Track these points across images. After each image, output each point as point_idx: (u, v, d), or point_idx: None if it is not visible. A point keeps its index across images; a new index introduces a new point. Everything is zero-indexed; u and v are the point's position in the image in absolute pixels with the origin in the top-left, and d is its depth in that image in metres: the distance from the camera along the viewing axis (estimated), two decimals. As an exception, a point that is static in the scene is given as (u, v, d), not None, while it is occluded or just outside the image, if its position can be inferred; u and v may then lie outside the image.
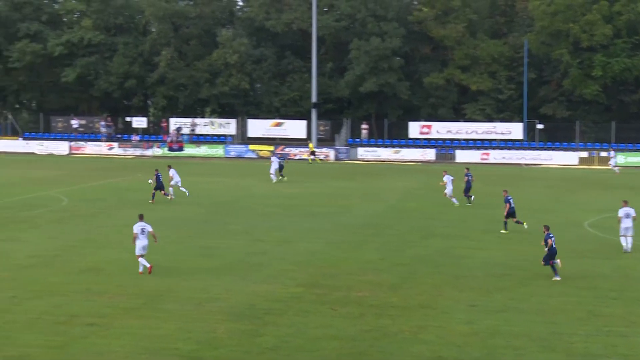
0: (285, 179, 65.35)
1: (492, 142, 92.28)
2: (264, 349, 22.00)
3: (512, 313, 25.61)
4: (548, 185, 64.99)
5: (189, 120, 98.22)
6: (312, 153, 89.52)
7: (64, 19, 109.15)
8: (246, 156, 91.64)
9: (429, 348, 22.17)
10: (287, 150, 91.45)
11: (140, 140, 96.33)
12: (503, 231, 40.70)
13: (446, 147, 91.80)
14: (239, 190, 58.48)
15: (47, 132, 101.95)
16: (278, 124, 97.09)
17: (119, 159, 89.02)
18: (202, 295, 27.36)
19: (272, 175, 64.48)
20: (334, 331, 23.59)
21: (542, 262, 30.59)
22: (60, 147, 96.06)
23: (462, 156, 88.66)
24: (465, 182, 51.52)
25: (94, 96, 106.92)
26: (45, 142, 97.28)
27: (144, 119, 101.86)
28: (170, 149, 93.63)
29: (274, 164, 65.41)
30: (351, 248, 36.25)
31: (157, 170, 53.38)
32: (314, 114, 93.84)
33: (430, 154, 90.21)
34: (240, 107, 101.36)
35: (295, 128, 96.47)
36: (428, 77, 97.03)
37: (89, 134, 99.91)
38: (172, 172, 53.87)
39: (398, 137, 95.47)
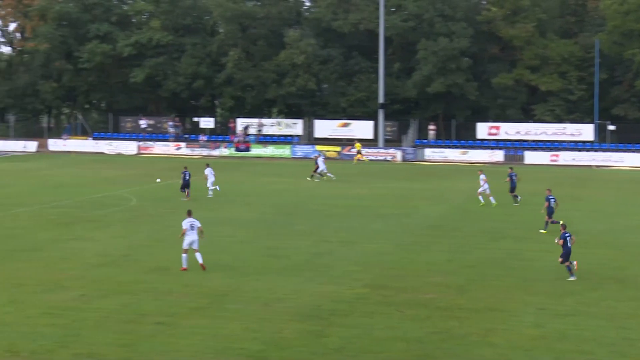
0: (325, 178, 65.85)
1: (561, 144, 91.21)
2: (330, 350, 22.05)
3: (582, 317, 25.32)
4: (619, 187, 64.10)
5: (256, 120, 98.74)
6: (359, 152, 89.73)
7: (133, 20, 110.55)
8: (313, 157, 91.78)
9: (497, 351, 22.03)
10: (354, 150, 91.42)
11: (207, 141, 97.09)
12: (542, 231, 40.50)
13: (515, 148, 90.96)
14: (305, 190, 58.63)
15: (116, 132, 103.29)
16: (345, 125, 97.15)
17: (186, 159, 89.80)
18: (269, 295, 27.50)
19: (329, 175, 65.47)
20: (400, 333, 23.56)
21: (559, 260, 30.46)
22: (129, 147, 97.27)
23: (531, 157, 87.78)
24: (509, 182, 51.46)
25: (162, 96, 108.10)
26: (114, 142, 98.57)
27: (212, 119, 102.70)
28: (237, 149, 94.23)
29: (322, 164, 66.21)
30: (418, 249, 36.14)
31: (185, 167, 54.83)
32: (381, 114, 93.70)
33: (498, 155, 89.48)
34: (307, 108, 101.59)
35: (362, 129, 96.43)
36: (496, 77, 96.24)
37: (157, 134, 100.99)
38: (207, 170, 54.59)
39: (466, 138, 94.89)
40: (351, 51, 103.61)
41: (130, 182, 63.10)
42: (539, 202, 50.08)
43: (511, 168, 54.17)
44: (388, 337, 23.18)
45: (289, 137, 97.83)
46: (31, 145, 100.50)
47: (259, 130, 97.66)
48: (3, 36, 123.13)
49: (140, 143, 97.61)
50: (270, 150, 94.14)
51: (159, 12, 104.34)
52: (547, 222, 40.77)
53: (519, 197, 51.20)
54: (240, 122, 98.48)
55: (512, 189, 51.34)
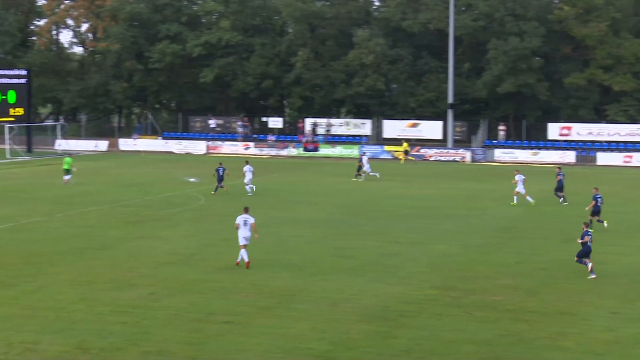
0: (361, 178, 66.43)
1: (635, 145, 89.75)
2: (398, 351, 21.96)
3: (656, 322, 24.91)
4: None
5: (324, 120, 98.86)
6: (406, 152, 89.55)
7: (203, 20, 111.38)
8: (381, 157, 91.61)
9: (568, 355, 21.74)
10: (423, 151, 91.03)
11: (276, 140, 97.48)
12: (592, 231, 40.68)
13: (587, 149, 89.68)
14: (374, 191, 58.50)
15: (185, 132, 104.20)
16: (414, 125, 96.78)
17: (255, 158, 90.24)
18: (336, 295, 27.50)
19: (373, 174, 66.14)
20: (469, 335, 23.38)
21: (575, 258, 31.13)
22: (198, 147, 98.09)
23: (604, 159, 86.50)
24: (557, 182, 52.17)
25: (231, 96, 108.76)
26: (184, 142, 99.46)
27: (280, 119, 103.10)
28: (306, 149, 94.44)
29: (367, 163, 66.78)
30: (487, 251, 35.85)
31: (220, 164, 56.76)
32: (450, 114, 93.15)
33: (570, 156, 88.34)
34: (375, 108, 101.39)
35: (431, 129, 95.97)
36: (568, 77, 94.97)
37: (226, 134, 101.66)
38: (246, 168, 55.66)
39: (536, 139, 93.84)
40: (420, 51, 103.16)
41: (198, 181, 63.54)
42: (613, 203, 49.41)
43: (559, 167, 55.06)
44: (456, 339, 23.02)
45: (357, 137, 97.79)
46: (102, 145, 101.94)
47: (327, 130, 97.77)
48: (75, 37, 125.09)
49: (209, 143, 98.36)
50: (338, 150, 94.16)
51: (228, 12, 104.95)
52: (590, 221, 40.71)
53: (563, 197, 51.81)
54: (309, 122, 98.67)
55: (559, 188, 52.03)
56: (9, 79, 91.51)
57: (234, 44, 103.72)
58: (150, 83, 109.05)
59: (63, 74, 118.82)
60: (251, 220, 31.95)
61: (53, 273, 30.48)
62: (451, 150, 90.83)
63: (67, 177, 60.47)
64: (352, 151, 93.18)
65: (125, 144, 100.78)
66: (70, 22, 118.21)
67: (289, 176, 69.25)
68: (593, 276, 30.10)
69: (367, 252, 35.21)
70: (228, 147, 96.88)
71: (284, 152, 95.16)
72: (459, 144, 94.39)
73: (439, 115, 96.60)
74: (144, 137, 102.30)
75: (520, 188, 51.51)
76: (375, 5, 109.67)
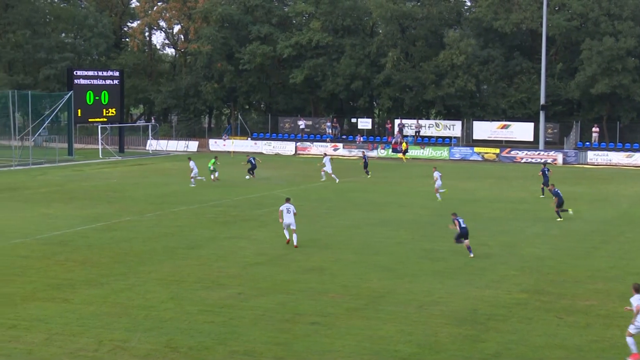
0: (369, 176, 67.54)
1: None
2: (486, 355, 21.77)
3: None
4: None
5: (414, 121, 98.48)
6: (404, 152, 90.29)
7: (294, 21, 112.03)
8: (471, 159, 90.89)
9: (662, 363, 21.28)
10: (514, 153, 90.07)
11: (364, 142, 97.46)
12: (558, 219, 44.79)
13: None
14: (463, 193, 58.08)
15: (274, 133, 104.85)
16: (504, 126, 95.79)
17: (343, 159, 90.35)
18: (425, 298, 27.38)
19: (333, 176, 65.35)
20: (559, 340, 23.06)
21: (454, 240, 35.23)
22: (287, 148, 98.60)
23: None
24: (542, 177, 56.41)
25: (321, 97, 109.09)
26: (273, 142, 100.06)
27: (369, 120, 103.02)
28: (394, 151, 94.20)
29: (329, 163, 66.50)
30: (579, 255, 35.31)
31: (248, 155, 63.13)
32: (542, 116, 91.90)
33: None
34: (465, 109, 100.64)
35: (522, 131, 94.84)
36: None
37: (315, 135, 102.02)
38: (326, 159, 59.03)
39: (631, 141, 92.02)
40: (512, 51, 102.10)
41: (288, 182, 63.90)
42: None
43: (544, 164, 62.27)
44: (546, 344, 22.72)
45: (447, 139, 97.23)
46: (192, 145, 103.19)
47: (417, 132, 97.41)
48: (167, 38, 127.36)
49: (298, 143, 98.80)
50: (428, 152, 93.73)
51: (319, 13, 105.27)
52: (557, 212, 45.33)
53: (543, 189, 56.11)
54: (398, 123, 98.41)
55: (545, 183, 55.55)
56: (102, 80, 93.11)
57: (324, 44, 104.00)
58: (241, 84, 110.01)
59: (155, 75, 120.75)
60: (293, 209, 36.57)
61: (143, 272, 30.95)
62: (542, 152, 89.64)
63: (215, 174, 63.72)
64: (442, 153, 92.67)
65: (216, 144, 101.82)
66: (162, 23, 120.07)
67: (378, 177, 69.11)
68: (471, 255, 34.06)
69: (457, 254, 34.97)
70: (317, 148, 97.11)
71: (373, 154, 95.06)
72: (550, 146, 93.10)
73: (530, 117, 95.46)
74: (233, 137, 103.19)
75: (438, 184, 53.67)
76: (467, 6, 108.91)
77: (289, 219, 36.24)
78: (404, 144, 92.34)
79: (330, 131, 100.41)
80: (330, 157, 69.34)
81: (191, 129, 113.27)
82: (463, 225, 34.76)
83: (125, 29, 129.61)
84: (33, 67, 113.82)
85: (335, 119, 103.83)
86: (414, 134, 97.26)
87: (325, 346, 22.33)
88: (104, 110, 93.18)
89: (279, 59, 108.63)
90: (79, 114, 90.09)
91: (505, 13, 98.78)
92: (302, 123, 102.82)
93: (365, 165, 69.85)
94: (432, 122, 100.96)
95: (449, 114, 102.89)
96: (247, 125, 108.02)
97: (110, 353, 21.68)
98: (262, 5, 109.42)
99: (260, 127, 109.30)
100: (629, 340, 21.51)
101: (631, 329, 21.53)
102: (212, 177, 63.54)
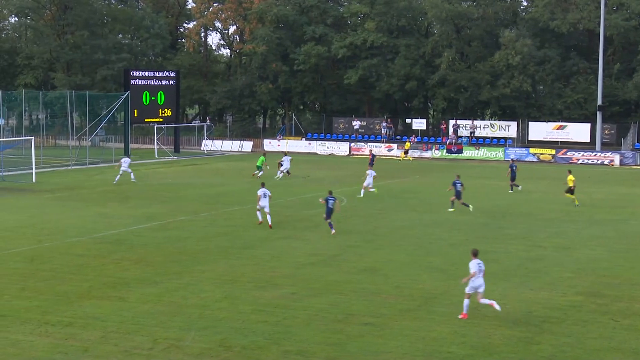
0: (284, 176, 67.69)
1: None
2: (540, 358, 21.59)
3: None
4: None
5: (469, 122, 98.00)
6: (406, 152, 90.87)
7: (348, 22, 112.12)
8: (526, 160, 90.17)
9: None
10: (570, 154, 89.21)
11: (419, 142, 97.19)
12: (450, 209, 48.70)
13: None
14: (517, 194, 57.65)
15: (328, 133, 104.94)
16: (560, 127, 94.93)
17: (398, 160, 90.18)
18: (478, 299, 27.23)
19: (279, 176, 67.00)
20: (615, 343, 22.79)
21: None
22: (341, 148, 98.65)
23: None
24: (510, 173, 58.94)
25: (375, 98, 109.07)
26: (327, 143, 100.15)
27: (423, 121, 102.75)
28: (449, 151, 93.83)
29: (287, 162, 67.80)
30: (636, 257, 34.86)
31: (285, 153, 69.12)
32: (599, 117, 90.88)
33: None
34: (521, 110, 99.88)
35: (579, 131, 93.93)
36: None
37: (369, 135, 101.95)
38: (369, 173, 57.34)
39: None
40: (569, 52, 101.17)
41: (341, 182, 63.94)
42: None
43: (512, 159, 66.63)
44: (602, 347, 22.48)
45: (502, 140, 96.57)
46: (247, 145, 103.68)
47: (472, 132, 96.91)
48: (223, 39, 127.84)
49: (352, 144, 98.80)
50: (482, 153, 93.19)
51: (373, 13, 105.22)
52: (452, 202, 48.89)
53: (520, 186, 58.97)
54: (452, 124, 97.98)
55: (513, 178, 58.53)
56: (158, 81, 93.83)
57: (379, 45, 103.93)
58: (295, 84, 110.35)
59: (210, 76, 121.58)
60: (269, 193, 40.93)
61: (197, 271, 31.15)
62: (599, 154, 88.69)
63: (258, 172, 65.77)
64: (497, 153, 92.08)
65: (270, 145, 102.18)
66: (218, 24, 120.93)
67: (432, 178, 68.92)
68: (333, 231, 38.94)
69: (510, 256, 34.75)
70: (374, 149, 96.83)
71: (428, 154, 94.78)
72: (607, 147, 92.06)
73: (587, 118, 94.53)
74: (287, 137, 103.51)
75: (368, 182, 55.13)
76: (523, 6, 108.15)
77: (264, 202, 40.90)
78: (407, 143, 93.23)
79: (384, 132, 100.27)
80: (290, 157, 70.07)
81: (246, 129, 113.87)
82: (330, 206, 39.70)
83: (181, 29, 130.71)
84: (91, 68, 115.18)
85: (389, 120, 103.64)
86: (468, 135, 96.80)
87: (378, 347, 22.30)
88: (160, 110, 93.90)
89: (333, 60, 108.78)
90: (135, 114, 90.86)
91: (562, 13, 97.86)
92: (356, 123, 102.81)
93: (371, 162, 69.25)
94: (487, 122, 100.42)
95: (504, 115, 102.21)
96: (301, 125, 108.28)
97: (165, 351, 21.85)
98: (317, 5, 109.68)
99: (314, 128, 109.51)
100: (465, 301, 25.12)
101: (467, 290, 25.15)
102: (258, 173, 65.62)
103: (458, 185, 48.59)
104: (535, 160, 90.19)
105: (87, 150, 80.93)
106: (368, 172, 56.30)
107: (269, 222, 40.88)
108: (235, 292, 27.93)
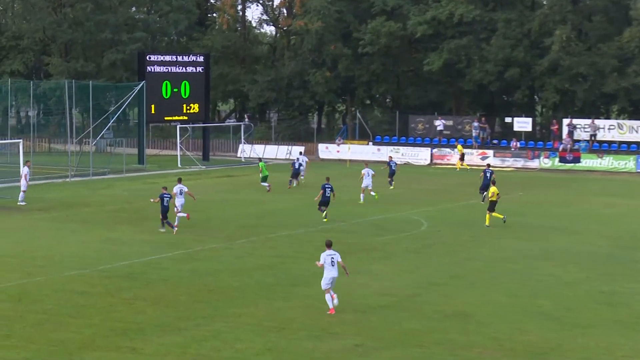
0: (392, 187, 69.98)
1: None
2: None
3: None
4: None
5: (588, 122, 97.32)
6: (462, 158, 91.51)
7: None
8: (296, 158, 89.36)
9: None
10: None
11: (522, 148, 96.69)
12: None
13: None
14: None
15: (403, 136, 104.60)
16: None
17: (494, 171, 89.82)
18: (603, 356, 27.01)
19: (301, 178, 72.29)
20: None
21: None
22: (420, 155, 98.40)
23: None
24: (482, 179, 62.96)
25: (465, 90, 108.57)
26: (402, 149, 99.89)
27: (529, 120, 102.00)
28: (563, 160, 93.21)
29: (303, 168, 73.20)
30: None
31: (301, 153, 76.80)
32: None
33: None
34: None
35: None
36: None
37: (457, 139, 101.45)
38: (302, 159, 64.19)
39: None
40: None
41: (420, 200, 63.81)
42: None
43: (488, 165, 70.65)
44: None
45: (632, 145, 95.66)
46: (296, 151, 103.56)
47: (593, 136, 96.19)
48: (266, 13, 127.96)
49: (435, 150, 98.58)
50: (607, 162, 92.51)
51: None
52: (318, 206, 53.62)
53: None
54: (567, 124, 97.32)
55: (484, 186, 61.50)
56: (182, 67, 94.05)
57: (470, 20, 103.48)
58: (360, 72, 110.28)
59: (249, 61, 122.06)
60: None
61: (232, 315, 31.20)
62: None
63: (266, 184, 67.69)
64: (626, 163, 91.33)
65: (327, 150, 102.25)
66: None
67: (540, 195, 68.54)
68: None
69: (645, 299, 34.48)
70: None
71: (534, 164, 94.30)
72: None
73: None
74: (349, 142, 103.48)
75: (366, 183, 61.56)
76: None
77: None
78: (459, 147, 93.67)
79: (477, 134, 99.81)
80: (306, 159, 74.39)
81: (295, 131, 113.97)
82: (168, 202, 47.72)
83: (212, 1, 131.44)
84: (95, 51, 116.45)
85: (483, 118, 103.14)
86: (588, 138, 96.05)
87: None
88: (185, 105, 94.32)
89: (409, 40, 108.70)
90: (153, 111, 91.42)
91: None
92: (439, 123, 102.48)
93: (391, 174, 71.97)
94: (614, 122, 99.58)
95: (636, 112, 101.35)
96: (367, 125, 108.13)
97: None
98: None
99: (384, 129, 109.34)
100: (327, 297, 31.01)
101: (323, 285, 31.07)
102: (267, 186, 68.33)
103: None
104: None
105: (91, 157, 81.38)
106: (364, 171, 61.14)
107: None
108: (281, 343, 27.93)
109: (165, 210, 47.92)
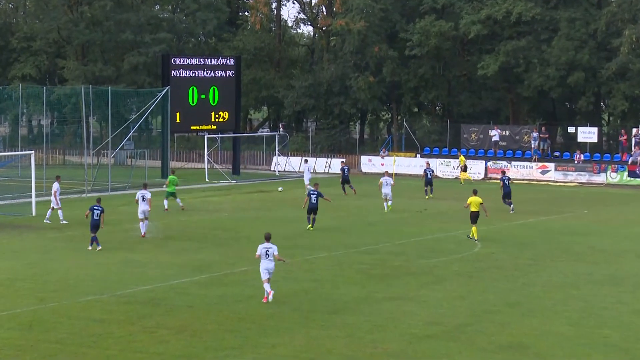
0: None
1: None
2: None
3: None
4: None
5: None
6: (464, 169, 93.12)
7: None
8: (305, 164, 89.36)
9: None
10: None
11: (587, 161, 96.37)
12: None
13: None
14: None
15: (454, 148, 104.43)
16: None
17: (556, 186, 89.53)
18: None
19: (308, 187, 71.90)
20: None
21: None
22: (474, 169, 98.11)
23: None
24: (502, 188, 68.31)
25: (523, 96, 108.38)
26: (453, 161, 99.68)
27: (594, 130, 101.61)
28: (632, 174, 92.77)
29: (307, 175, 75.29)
30: None
31: (306, 161, 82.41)
32: None
33: None
34: None
35: None
36: None
37: (514, 151, 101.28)
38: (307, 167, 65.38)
39: None
40: None
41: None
42: None
43: (503, 172, 74.07)
44: None
45: None
46: (336, 164, 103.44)
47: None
48: (303, 12, 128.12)
49: (490, 163, 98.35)
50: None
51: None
52: (308, 218, 57.11)
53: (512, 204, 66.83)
54: (636, 135, 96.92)
55: (506, 194, 67.52)
56: (211, 71, 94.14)
57: (529, 20, 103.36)
58: (407, 77, 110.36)
59: (285, 64, 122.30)
60: (149, 195, 44.34)
61: (264, 345, 31.22)
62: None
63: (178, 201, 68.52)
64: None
65: (370, 164, 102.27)
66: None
67: (607, 213, 68.25)
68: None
69: None
70: (517, 170, 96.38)
71: (600, 178, 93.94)
72: None
73: None
74: (395, 153, 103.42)
75: (385, 192, 65.88)
76: None
77: (144, 205, 46.08)
78: (461, 157, 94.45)
79: (536, 145, 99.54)
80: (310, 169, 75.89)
81: (335, 141, 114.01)
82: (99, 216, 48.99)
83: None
84: (115, 53, 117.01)
85: (543, 128, 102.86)
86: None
87: None
88: (213, 114, 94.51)
89: (462, 41, 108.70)
90: (178, 120, 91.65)
91: None
92: (495, 133, 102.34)
93: (428, 183, 75.32)
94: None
95: None
96: (415, 136, 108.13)
97: None
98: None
99: (434, 140, 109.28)
100: (265, 285, 36.95)
101: (262, 276, 37.18)
102: (180, 204, 68.44)
103: (313, 196, 57.48)
104: None
105: (109, 170, 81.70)
106: (382, 179, 64.33)
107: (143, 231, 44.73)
108: (321, 377, 27.98)
109: (94, 224, 48.85)
